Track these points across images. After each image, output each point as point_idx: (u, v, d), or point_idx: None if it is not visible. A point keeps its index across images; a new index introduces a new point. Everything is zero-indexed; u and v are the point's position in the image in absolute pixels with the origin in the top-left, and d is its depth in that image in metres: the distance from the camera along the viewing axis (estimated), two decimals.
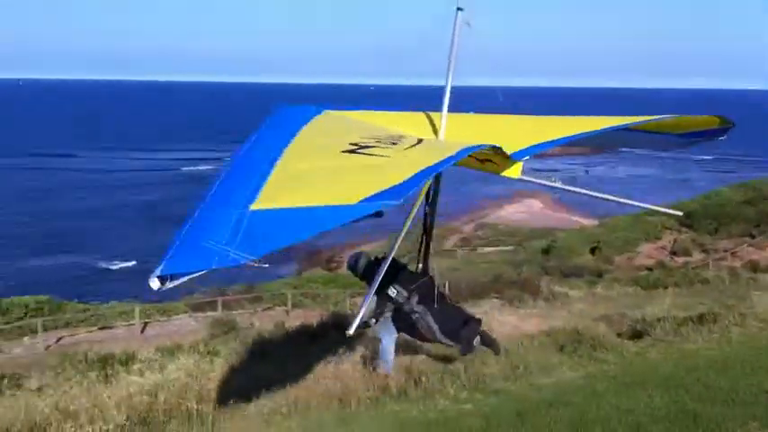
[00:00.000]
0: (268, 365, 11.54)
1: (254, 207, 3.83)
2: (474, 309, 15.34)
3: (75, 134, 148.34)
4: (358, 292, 27.07)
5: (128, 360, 15.49)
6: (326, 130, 5.88)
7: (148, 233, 57.62)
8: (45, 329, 25.27)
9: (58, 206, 72.20)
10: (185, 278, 3.67)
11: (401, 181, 3.96)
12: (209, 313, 28.06)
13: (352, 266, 7.03)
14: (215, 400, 9.05)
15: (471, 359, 8.84)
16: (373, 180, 4.03)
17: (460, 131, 6.23)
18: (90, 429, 7.51)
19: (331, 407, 8.36)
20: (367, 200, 3.72)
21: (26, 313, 26.59)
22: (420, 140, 5.32)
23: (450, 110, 6.48)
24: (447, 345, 6.84)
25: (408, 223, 6.13)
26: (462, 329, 6.64)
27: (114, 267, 51.02)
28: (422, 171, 4.12)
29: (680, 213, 8.04)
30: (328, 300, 30.22)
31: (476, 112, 7.13)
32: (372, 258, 6.91)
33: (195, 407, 8.52)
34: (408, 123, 6.51)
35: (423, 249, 6.87)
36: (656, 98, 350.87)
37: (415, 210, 6.24)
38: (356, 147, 4.79)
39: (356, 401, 8.42)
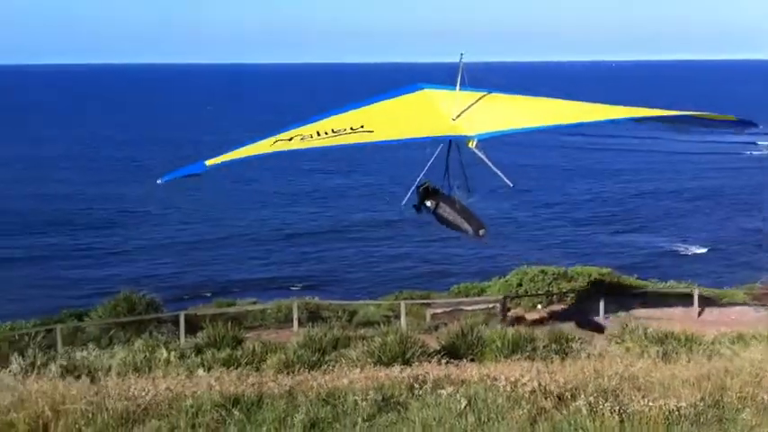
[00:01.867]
0: None
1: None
2: None
3: None
4: None
5: (687, 341, 14.88)
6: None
7: (721, 219, 55.91)
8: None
9: (630, 187, 74.21)
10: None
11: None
12: None
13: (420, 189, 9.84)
14: None
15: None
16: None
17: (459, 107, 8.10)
18: (663, 403, 7.17)
19: None
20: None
21: (589, 282, 27.73)
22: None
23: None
24: (462, 227, 9.66)
25: (427, 165, 9.28)
26: (472, 219, 9.41)
27: (683, 252, 50.50)
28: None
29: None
30: None
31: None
32: (421, 185, 9.67)
33: None
34: (446, 101, 8.61)
35: (448, 182, 9.43)
36: None
37: (431, 160, 9.44)
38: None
39: None
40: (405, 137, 8.47)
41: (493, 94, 9.28)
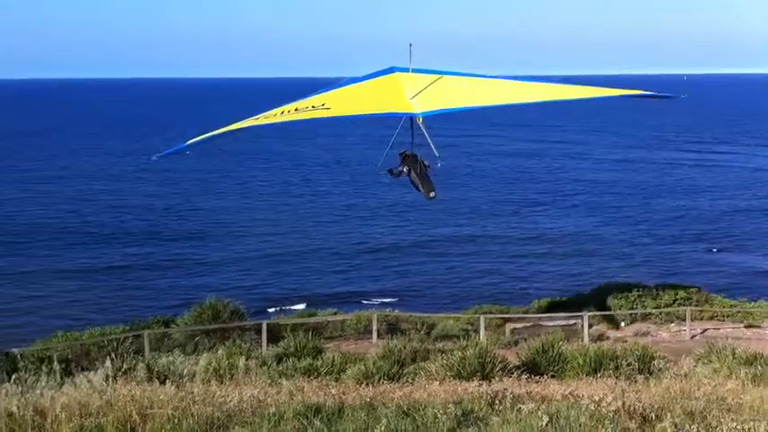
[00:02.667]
0: None
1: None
2: None
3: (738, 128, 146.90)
4: None
5: None
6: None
7: None
8: (692, 319, 25.34)
9: (720, 204, 71.74)
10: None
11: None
12: None
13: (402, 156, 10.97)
14: None
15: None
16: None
17: (418, 88, 9.33)
18: (753, 426, 6.90)
19: None
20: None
21: (675, 300, 27.06)
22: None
23: None
24: (419, 189, 10.85)
25: (392, 140, 9.95)
26: (426, 184, 10.86)
27: None
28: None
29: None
30: None
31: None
32: (402, 153, 10.82)
33: None
34: (410, 83, 9.72)
35: (411, 151, 10.59)
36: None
37: (396, 133, 9.98)
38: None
39: None
40: (359, 113, 9.95)
41: (451, 77, 10.53)
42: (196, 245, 54.32)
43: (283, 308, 35.31)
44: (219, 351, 17.98)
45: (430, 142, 10.00)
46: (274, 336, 22.11)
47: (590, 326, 24.58)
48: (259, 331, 22.45)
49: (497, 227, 60.42)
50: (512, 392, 8.80)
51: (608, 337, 24.20)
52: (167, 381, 11.45)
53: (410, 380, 11.55)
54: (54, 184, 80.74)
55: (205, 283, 42.52)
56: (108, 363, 14.82)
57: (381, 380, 11.74)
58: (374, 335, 23.24)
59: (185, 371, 14.79)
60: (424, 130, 9.87)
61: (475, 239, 55.78)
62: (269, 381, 11.81)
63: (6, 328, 31.38)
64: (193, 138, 10.66)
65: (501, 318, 26.04)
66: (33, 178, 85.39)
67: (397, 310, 27.30)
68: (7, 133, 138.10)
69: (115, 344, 20.33)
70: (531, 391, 9.15)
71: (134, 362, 15.82)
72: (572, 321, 24.89)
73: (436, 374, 13.00)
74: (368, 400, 8.71)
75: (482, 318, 24.05)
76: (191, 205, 69.01)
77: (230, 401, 8.57)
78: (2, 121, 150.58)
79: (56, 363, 11.98)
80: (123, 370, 13.92)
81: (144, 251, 52.36)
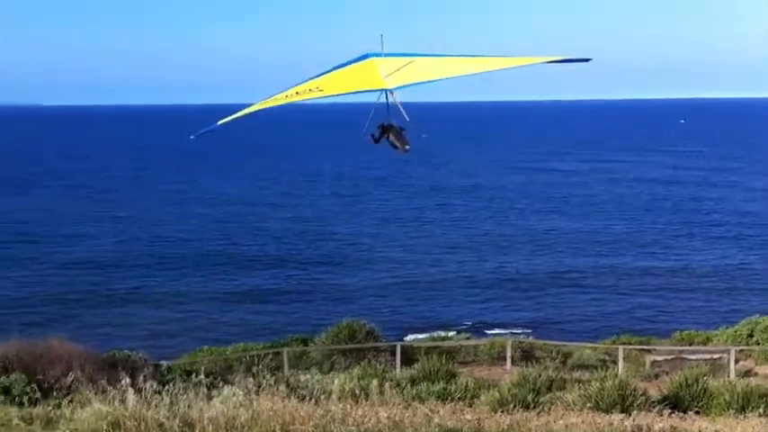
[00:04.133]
0: None
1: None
2: None
3: None
4: None
5: None
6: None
7: None
8: None
9: None
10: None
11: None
12: None
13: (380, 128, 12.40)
14: None
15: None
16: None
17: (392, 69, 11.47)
18: None
19: None
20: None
21: None
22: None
23: None
24: (397, 146, 12.48)
25: (371, 113, 11.96)
26: (402, 141, 12.54)
27: None
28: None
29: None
30: None
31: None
32: (380, 124, 12.37)
33: None
34: (384, 65, 11.58)
35: (388, 122, 12.30)
36: None
37: (372, 111, 11.89)
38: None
39: None
40: (344, 92, 11.77)
41: (422, 58, 12.37)
42: (332, 269, 55.59)
43: (417, 331, 35.49)
44: (355, 371, 18.34)
45: (402, 112, 12.07)
46: (408, 358, 22.29)
47: (736, 361, 23.24)
48: (393, 353, 22.71)
49: (638, 257, 58.27)
50: (656, 428, 8.48)
51: (756, 374, 22.80)
52: (306, 398, 11.79)
53: (546, 409, 11.34)
54: (205, 207, 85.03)
55: (341, 307, 43.42)
56: (251, 378, 15.49)
57: (516, 407, 11.57)
58: (508, 361, 22.97)
59: (322, 389, 15.18)
60: (399, 105, 12.01)
61: (614, 270, 54.03)
62: (403, 403, 11.91)
63: (158, 344, 33.28)
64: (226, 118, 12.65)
65: (640, 349, 25.12)
66: (186, 200, 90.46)
67: (531, 337, 26.87)
68: (175, 154, 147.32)
69: (256, 359, 21.13)
70: (675, 427, 8.78)
71: (273, 378, 16.43)
72: (717, 355, 23.65)
73: (573, 405, 12.68)
74: (505, 428, 8.64)
75: (620, 348, 23.26)
76: (327, 230, 70.66)
77: (368, 422, 8.73)
78: (177, 143, 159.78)
79: (202, 375, 12.60)
80: (264, 385, 14.46)
81: (284, 274, 54.09)
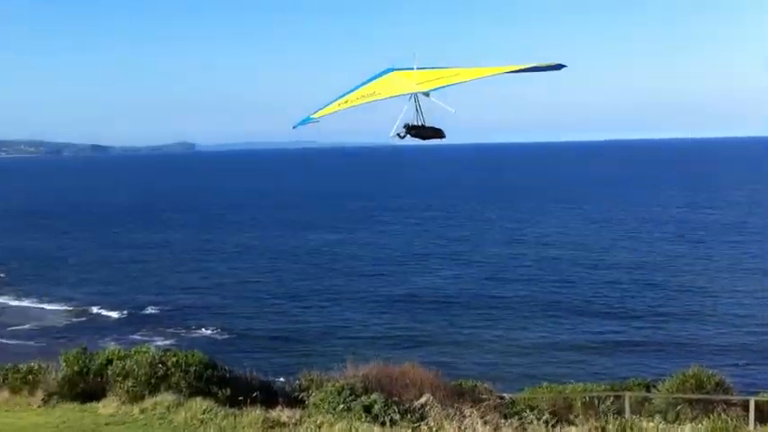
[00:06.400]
0: None
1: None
2: None
3: None
4: None
5: None
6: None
7: None
8: None
9: None
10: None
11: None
12: None
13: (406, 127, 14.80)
14: None
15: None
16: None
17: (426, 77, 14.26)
18: None
19: None
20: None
21: None
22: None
23: None
24: (432, 136, 14.99)
25: (403, 110, 14.59)
26: (429, 132, 14.95)
27: None
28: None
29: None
30: None
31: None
32: (407, 123, 14.79)
33: None
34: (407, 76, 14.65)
35: (422, 120, 14.79)
36: None
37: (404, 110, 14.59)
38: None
39: None
40: (393, 95, 14.11)
41: (441, 68, 14.59)
42: (672, 317, 52.73)
43: None
44: (703, 423, 17.30)
45: (442, 105, 14.18)
46: (764, 415, 20.33)
47: None
48: (746, 408, 20.86)
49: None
50: None
51: None
52: None
53: None
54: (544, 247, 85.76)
55: (686, 356, 41.03)
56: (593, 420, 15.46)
57: None
58: None
59: None
60: (438, 101, 14.18)
61: None
62: None
63: (495, 375, 34.63)
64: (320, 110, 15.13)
65: None
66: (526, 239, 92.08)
67: None
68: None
69: (597, 401, 20.91)
70: None
71: (618, 422, 16.22)
72: None
73: None
74: None
75: None
76: (671, 278, 66.93)
77: None
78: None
79: (546, 415, 13.00)
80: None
81: (622, 321, 52.47)
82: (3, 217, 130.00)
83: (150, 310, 58.97)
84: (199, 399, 17.74)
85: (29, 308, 60.73)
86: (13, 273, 75.65)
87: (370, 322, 53.36)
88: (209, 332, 51.58)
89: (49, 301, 62.30)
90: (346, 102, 14.91)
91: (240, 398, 17.89)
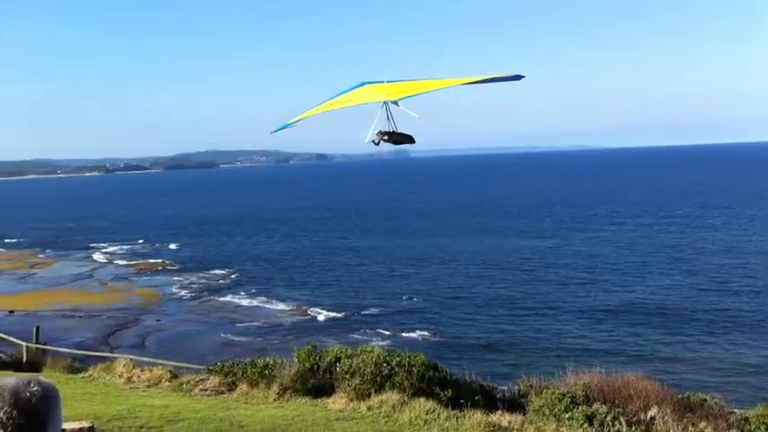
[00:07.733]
0: None
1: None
2: None
3: None
4: None
5: None
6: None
7: None
8: None
9: None
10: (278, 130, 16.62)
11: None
12: None
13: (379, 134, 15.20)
14: None
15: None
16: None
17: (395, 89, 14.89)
18: None
19: None
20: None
21: None
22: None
23: None
24: (404, 141, 15.58)
25: (374, 121, 15.04)
26: (403, 137, 15.46)
27: None
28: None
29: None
30: None
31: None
32: (380, 130, 15.19)
33: None
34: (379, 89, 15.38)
35: (393, 127, 15.19)
36: None
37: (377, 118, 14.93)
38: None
39: None
40: (366, 102, 14.93)
41: (410, 81, 15.43)
42: None
43: None
44: None
45: (410, 112, 14.72)
46: None
47: None
48: None
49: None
50: None
51: None
52: None
53: None
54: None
55: None
56: None
57: None
58: None
59: None
60: (405, 108, 14.69)
61: None
62: None
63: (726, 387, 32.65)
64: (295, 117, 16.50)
65: None
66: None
67: None
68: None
69: None
70: None
71: None
72: None
73: None
74: None
75: None
76: None
77: None
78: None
79: None
80: None
81: None
82: (232, 222, 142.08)
83: (368, 311, 61.42)
84: (422, 399, 18.34)
85: (258, 307, 65.49)
86: (243, 274, 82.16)
87: (584, 333, 52.00)
88: (422, 335, 52.81)
89: (276, 301, 66.92)
90: (321, 108, 16.24)
91: (462, 400, 18.31)
